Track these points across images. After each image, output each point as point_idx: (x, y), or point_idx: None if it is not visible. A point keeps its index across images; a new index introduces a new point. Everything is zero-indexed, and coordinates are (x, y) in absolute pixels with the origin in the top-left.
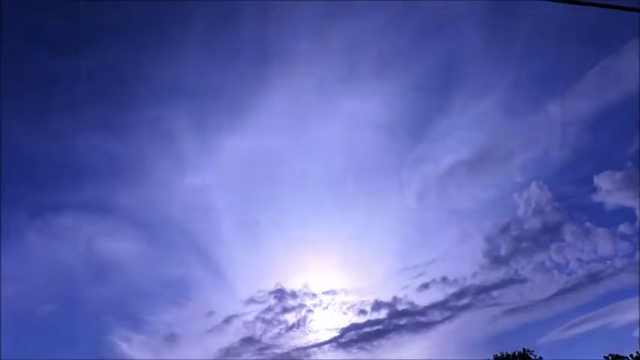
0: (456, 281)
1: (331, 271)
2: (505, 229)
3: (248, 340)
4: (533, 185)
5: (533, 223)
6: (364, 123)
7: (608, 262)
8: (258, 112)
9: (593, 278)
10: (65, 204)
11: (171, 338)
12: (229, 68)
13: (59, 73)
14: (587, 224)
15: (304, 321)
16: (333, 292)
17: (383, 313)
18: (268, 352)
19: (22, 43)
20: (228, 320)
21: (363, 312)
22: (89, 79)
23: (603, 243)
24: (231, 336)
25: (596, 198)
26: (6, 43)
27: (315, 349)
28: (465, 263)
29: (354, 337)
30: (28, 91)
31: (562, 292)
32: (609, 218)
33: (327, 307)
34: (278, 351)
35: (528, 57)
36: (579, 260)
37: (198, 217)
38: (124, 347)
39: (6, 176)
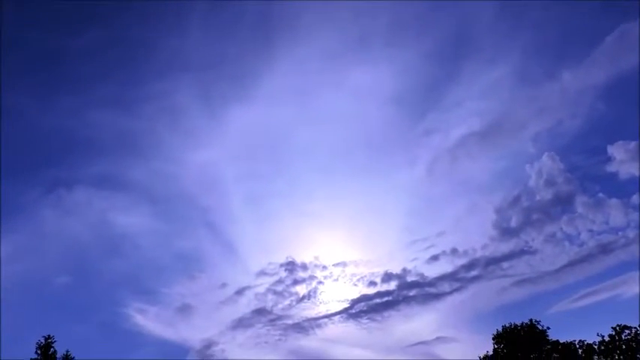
0: (465, 253)
1: (341, 244)
2: (516, 201)
3: (260, 311)
4: (545, 156)
5: (545, 195)
6: (373, 93)
7: (620, 233)
8: (264, 83)
9: (604, 249)
10: (78, 179)
11: (185, 309)
12: (234, 39)
13: (68, 49)
14: (600, 195)
15: (315, 292)
16: (343, 264)
17: (392, 285)
18: (279, 322)
19: (30, 20)
20: (240, 292)
21: (372, 283)
22: (97, 56)
23: (615, 214)
24: (243, 307)
25: (610, 168)
26: (15, 21)
27: (326, 319)
28: (475, 235)
29: (364, 308)
30: (38, 69)
31: (572, 264)
32: (622, 189)
33: (337, 279)
34: (289, 322)
35: (543, 23)
36: (590, 231)
37: (208, 190)
38: (139, 319)
39: (19, 153)
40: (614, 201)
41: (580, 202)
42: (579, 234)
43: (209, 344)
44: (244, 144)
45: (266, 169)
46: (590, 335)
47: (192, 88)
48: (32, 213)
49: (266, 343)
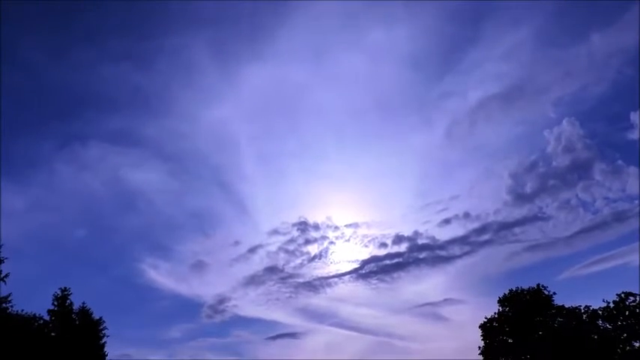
0: (478, 217)
1: (354, 205)
2: (532, 166)
3: (271, 269)
4: (565, 121)
5: (562, 161)
6: (390, 53)
7: (636, 201)
8: (279, 40)
9: (619, 217)
10: (91, 134)
11: (198, 266)
12: None
13: (81, 2)
14: (619, 162)
15: (326, 252)
16: (355, 225)
17: (403, 247)
18: (290, 280)
19: None
20: (252, 250)
21: (383, 245)
22: (111, 8)
23: (633, 182)
24: (256, 265)
25: (631, 135)
26: None
27: (336, 279)
28: (489, 200)
29: (374, 269)
30: (51, 22)
31: (585, 230)
32: None
33: (348, 240)
34: (300, 280)
35: None
36: (606, 199)
37: (221, 149)
38: (152, 274)
39: (32, 106)
40: (632, 169)
41: (598, 169)
42: (595, 201)
43: (222, 300)
44: (257, 103)
45: (279, 128)
46: (598, 302)
47: (206, 44)
48: (47, 167)
49: (277, 300)
